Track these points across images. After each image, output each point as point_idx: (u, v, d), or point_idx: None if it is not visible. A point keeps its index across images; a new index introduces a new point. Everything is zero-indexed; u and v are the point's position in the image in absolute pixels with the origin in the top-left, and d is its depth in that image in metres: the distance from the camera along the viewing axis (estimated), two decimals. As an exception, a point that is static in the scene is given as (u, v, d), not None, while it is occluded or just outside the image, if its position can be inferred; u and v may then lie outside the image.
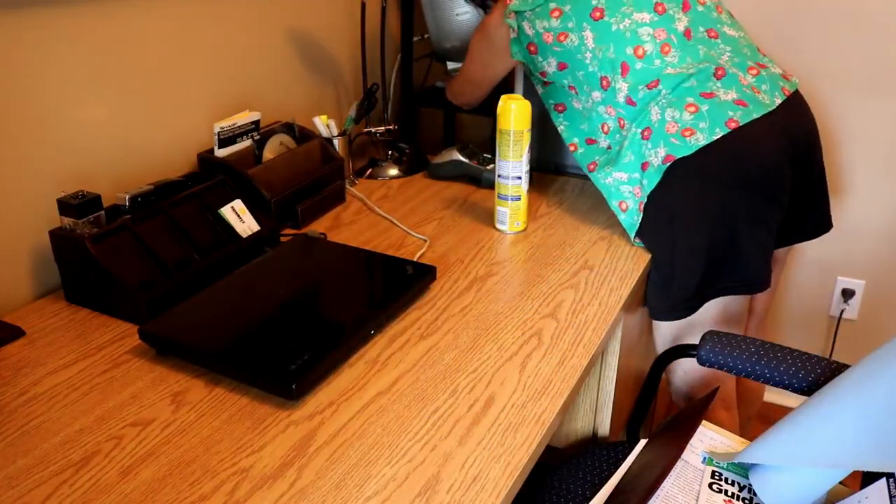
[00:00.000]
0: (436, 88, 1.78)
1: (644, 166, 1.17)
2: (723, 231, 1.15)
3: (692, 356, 1.07)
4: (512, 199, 1.26)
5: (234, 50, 1.38)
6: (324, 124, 1.46)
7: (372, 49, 1.76)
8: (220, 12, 1.33)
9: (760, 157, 1.13)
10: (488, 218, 1.35)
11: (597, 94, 1.22)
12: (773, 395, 2.05)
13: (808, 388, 0.98)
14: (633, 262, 1.18)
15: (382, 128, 1.64)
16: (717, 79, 1.16)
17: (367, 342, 0.97)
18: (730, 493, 0.96)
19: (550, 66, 1.25)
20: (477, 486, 0.73)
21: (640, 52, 1.17)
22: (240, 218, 1.19)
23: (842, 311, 1.88)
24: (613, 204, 1.24)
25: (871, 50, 1.64)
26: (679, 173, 1.14)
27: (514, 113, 1.21)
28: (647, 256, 1.20)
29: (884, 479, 0.82)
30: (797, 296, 1.93)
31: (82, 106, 1.12)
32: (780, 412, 1.99)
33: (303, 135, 1.42)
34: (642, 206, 1.19)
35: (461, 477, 0.74)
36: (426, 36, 1.70)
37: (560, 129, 1.32)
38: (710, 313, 1.23)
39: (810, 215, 1.31)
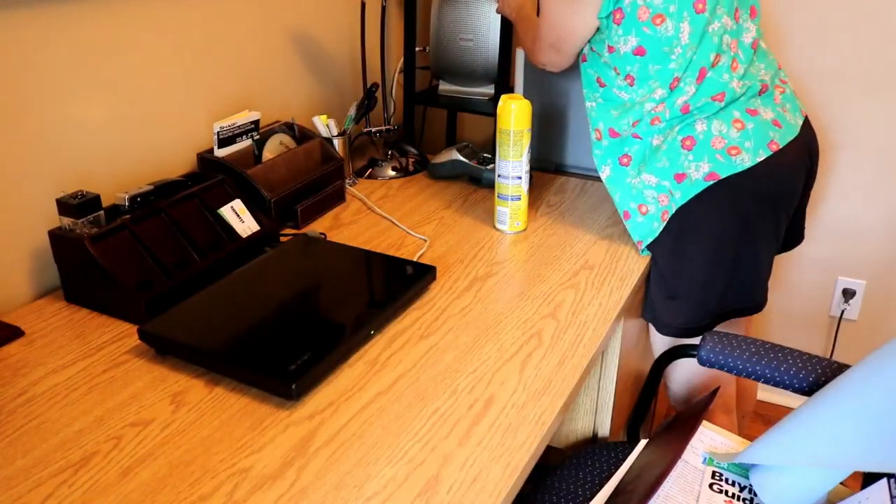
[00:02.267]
0: (436, 88, 1.78)
1: (679, 177, 1.11)
2: (748, 250, 1.13)
3: (692, 356, 1.07)
4: (512, 199, 1.26)
5: (234, 50, 1.38)
6: (324, 124, 1.46)
7: (372, 49, 1.75)
8: (221, 12, 1.33)
9: (792, 178, 1.14)
10: (488, 218, 1.35)
11: (659, 92, 1.11)
12: (774, 395, 2.05)
13: (809, 389, 0.98)
14: (633, 262, 1.18)
15: (382, 128, 1.64)
16: (759, 95, 1.13)
17: (366, 342, 0.97)
18: (730, 494, 0.96)
19: (626, 45, 1.10)
20: (477, 487, 0.73)
21: (716, 61, 1.10)
22: (239, 218, 1.19)
23: (842, 312, 1.88)
24: (631, 206, 1.18)
25: (872, 49, 1.64)
26: (715, 189, 1.10)
27: (514, 113, 1.20)
28: (648, 256, 1.19)
29: (884, 480, 0.82)
30: (797, 296, 1.93)
31: (82, 106, 1.12)
32: (780, 412, 1.99)
33: (303, 135, 1.42)
34: (666, 216, 1.14)
35: (461, 477, 0.74)
36: (427, 49, 1.70)
37: (590, 105, 1.21)
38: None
39: (795, 227, 1.32)
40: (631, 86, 1.14)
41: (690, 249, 1.14)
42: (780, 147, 1.11)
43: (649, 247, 1.18)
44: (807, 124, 1.19)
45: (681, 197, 1.12)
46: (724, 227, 1.12)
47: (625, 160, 1.18)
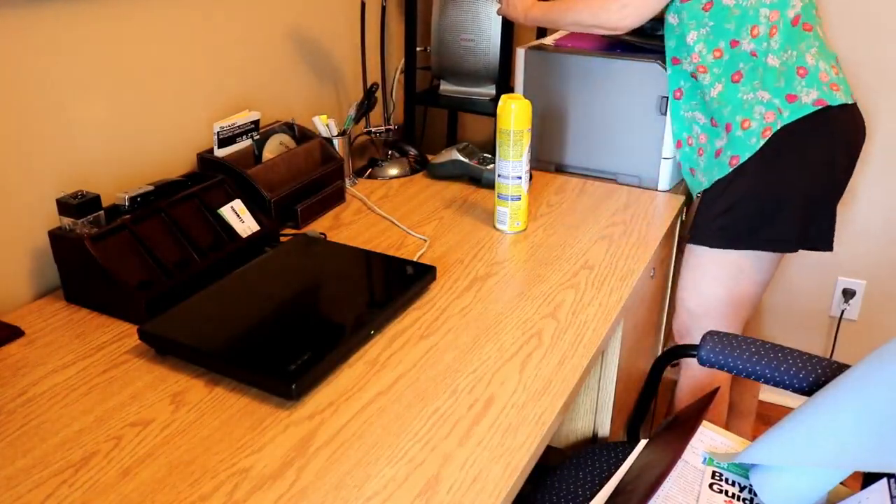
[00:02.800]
0: (437, 88, 1.78)
1: (791, 98, 1.20)
2: (834, 179, 1.23)
3: (692, 356, 1.07)
4: (512, 199, 1.26)
5: (234, 50, 1.38)
6: (324, 124, 1.46)
7: (372, 49, 1.75)
8: (221, 12, 1.33)
9: (859, 135, 1.26)
10: (488, 218, 1.35)
11: None
12: (773, 395, 2.05)
13: (809, 389, 0.98)
14: (633, 262, 1.18)
15: (382, 128, 1.64)
16: (837, 61, 1.25)
17: (366, 342, 0.97)
18: (730, 494, 0.96)
19: None
20: (477, 487, 0.73)
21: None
22: (239, 218, 1.19)
23: (842, 312, 1.88)
24: (735, 119, 1.24)
25: (873, 49, 1.64)
26: (816, 116, 1.19)
27: (514, 113, 1.20)
28: (648, 256, 1.19)
29: (884, 480, 0.82)
30: (798, 296, 1.93)
31: (82, 106, 1.12)
32: (780, 412, 1.99)
33: (303, 135, 1.42)
34: (768, 133, 1.20)
35: (461, 477, 0.74)
36: (428, 49, 1.70)
37: (703, 31, 1.25)
38: (752, 277, 1.31)
39: (830, 223, 1.33)
40: None
41: (786, 164, 1.21)
42: (853, 102, 1.23)
43: (742, 164, 1.23)
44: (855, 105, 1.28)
45: (788, 116, 1.19)
46: (818, 150, 1.20)
47: (737, 77, 1.23)
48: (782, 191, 1.22)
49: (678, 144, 1.38)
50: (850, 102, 1.22)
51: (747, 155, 1.22)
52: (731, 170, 1.24)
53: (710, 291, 1.32)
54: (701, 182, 1.33)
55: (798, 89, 1.20)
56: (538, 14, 1.35)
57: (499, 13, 1.41)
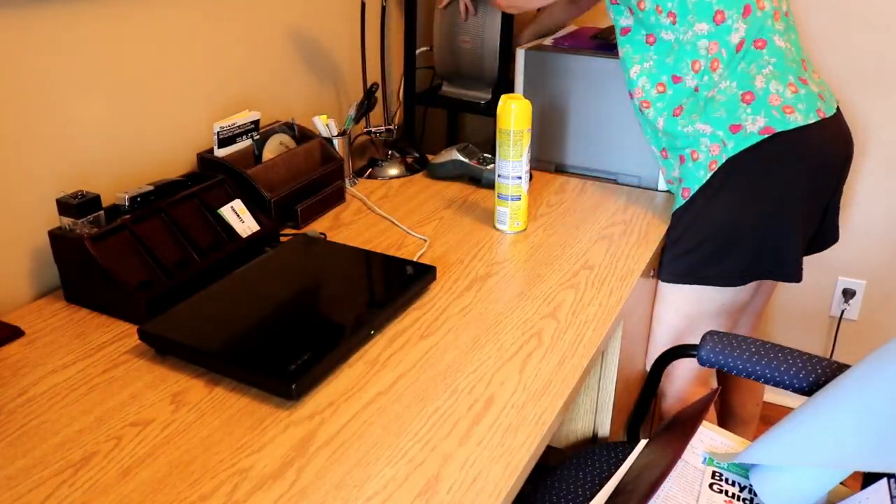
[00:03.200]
0: (438, 88, 1.78)
1: (734, 128, 1.15)
2: (787, 208, 1.16)
3: (692, 356, 1.07)
4: (512, 199, 1.26)
5: (234, 50, 1.38)
6: (324, 124, 1.46)
7: (372, 49, 1.75)
8: (221, 12, 1.33)
9: (837, 150, 1.18)
10: (488, 218, 1.35)
11: (703, 27, 1.15)
12: (773, 395, 2.05)
13: (809, 389, 0.98)
14: (633, 262, 1.18)
15: (382, 128, 1.64)
16: (804, 70, 1.18)
17: (366, 342, 0.97)
18: (730, 494, 0.96)
19: None
20: (477, 487, 0.73)
21: (760, 3, 1.14)
22: (239, 218, 1.19)
23: (842, 311, 1.88)
24: (685, 151, 1.22)
25: (873, 49, 1.64)
26: (765, 144, 1.14)
27: (514, 113, 1.20)
28: (648, 256, 1.20)
29: (884, 480, 0.82)
30: (797, 296, 1.93)
31: (82, 106, 1.12)
32: (780, 412, 1.99)
33: (303, 135, 1.42)
34: (714, 166, 1.17)
35: (461, 477, 0.74)
36: (431, 48, 1.70)
37: (646, 65, 1.24)
38: (710, 307, 1.23)
39: (831, 224, 1.32)
40: (674, 24, 1.17)
41: (732, 198, 1.17)
42: (826, 117, 1.16)
43: (696, 197, 1.21)
44: (840, 114, 1.22)
45: (732, 147, 1.15)
46: (768, 180, 1.15)
47: (677, 111, 1.22)
48: (726, 225, 1.18)
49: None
50: (814, 121, 1.14)
51: (696, 187, 1.20)
52: (683, 201, 1.23)
53: (671, 322, 1.30)
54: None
55: (743, 117, 1.15)
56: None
57: (491, 4, 1.42)
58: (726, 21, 1.13)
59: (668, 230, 1.27)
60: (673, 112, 1.22)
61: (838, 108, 1.22)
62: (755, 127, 1.14)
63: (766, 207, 1.16)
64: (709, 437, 1.05)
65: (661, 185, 1.45)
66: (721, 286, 1.22)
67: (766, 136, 1.13)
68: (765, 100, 1.14)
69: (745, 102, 1.15)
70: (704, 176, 1.19)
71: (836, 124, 1.19)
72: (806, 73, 1.18)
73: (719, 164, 1.17)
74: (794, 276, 1.20)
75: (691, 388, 1.35)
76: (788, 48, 1.18)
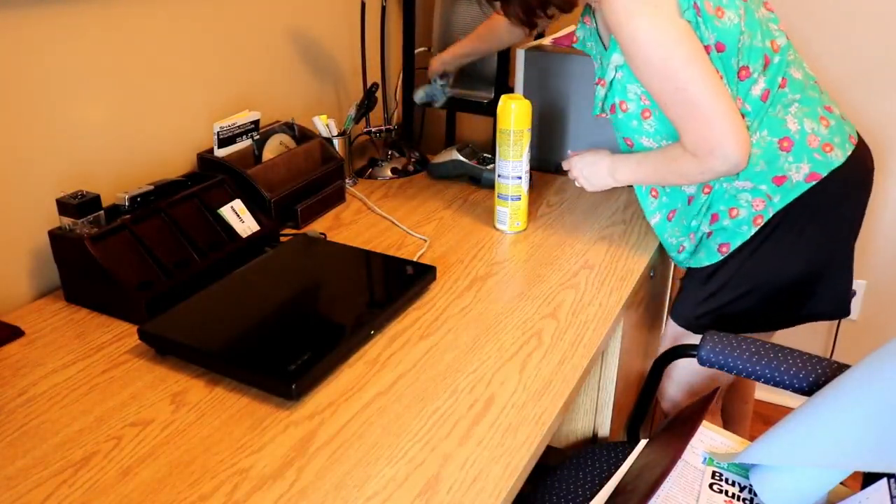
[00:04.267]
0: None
1: (779, 180, 1.06)
2: (843, 248, 1.12)
3: (692, 356, 1.07)
4: (512, 199, 1.26)
5: (234, 50, 1.38)
6: (324, 124, 1.46)
7: (372, 49, 1.75)
8: (221, 12, 1.33)
9: (869, 168, 1.13)
10: (488, 218, 1.35)
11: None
12: (773, 395, 2.05)
13: (809, 389, 0.98)
14: (633, 262, 1.18)
15: (382, 128, 1.64)
16: (821, 93, 1.12)
17: (366, 342, 0.97)
18: (730, 494, 0.96)
19: (709, 43, 1.00)
20: (477, 487, 0.73)
21: (775, 45, 1.06)
22: (239, 218, 1.19)
23: (842, 312, 1.87)
24: (720, 209, 1.12)
25: (874, 49, 1.64)
26: (813, 191, 1.06)
27: (514, 113, 1.20)
28: (648, 256, 1.19)
29: (884, 480, 0.82)
30: (797, 296, 1.93)
31: (82, 105, 1.12)
32: (780, 412, 1.99)
33: (303, 135, 1.42)
34: (760, 221, 1.09)
35: (461, 477, 0.74)
36: (431, 49, 1.70)
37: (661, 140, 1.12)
38: None
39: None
40: None
41: (780, 248, 1.11)
42: (856, 140, 1.11)
43: (736, 252, 1.14)
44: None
45: (780, 200, 1.08)
46: (820, 225, 1.09)
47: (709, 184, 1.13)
48: (774, 277, 1.12)
49: (655, 217, 1.21)
50: (850, 152, 1.08)
51: (738, 242, 1.13)
52: (721, 257, 1.15)
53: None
54: (685, 260, 1.23)
55: (786, 167, 1.06)
56: (627, 176, 1.17)
57: (582, 185, 1.25)
58: (752, 75, 1.04)
59: (695, 283, 1.20)
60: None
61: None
62: (800, 175, 1.06)
63: (821, 252, 1.11)
64: (709, 437, 1.05)
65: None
66: (771, 331, 1.19)
67: (814, 182, 1.06)
68: (804, 143, 1.06)
69: (785, 150, 1.06)
70: (748, 231, 1.11)
71: (861, 143, 1.13)
72: (824, 96, 1.12)
73: (766, 219, 1.09)
74: (846, 312, 1.16)
75: (692, 389, 1.35)
76: (804, 75, 1.10)
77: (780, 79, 1.06)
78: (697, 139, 1.00)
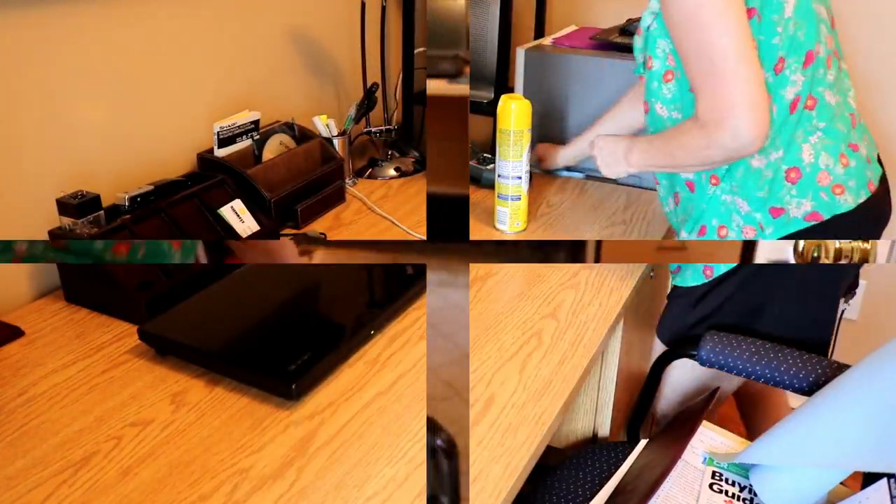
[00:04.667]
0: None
1: (776, 212, 0.99)
2: (830, 294, 1.07)
3: (692, 356, 1.07)
4: (512, 199, 1.26)
5: (234, 50, 1.38)
6: (324, 124, 1.46)
7: (372, 49, 1.75)
8: (221, 12, 1.33)
9: (882, 220, 1.05)
10: (488, 218, 1.35)
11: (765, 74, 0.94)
12: (774, 396, 2.05)
13: (809, 389, 0.98)
14: (633, 263, 1.18)
15: (382, 128, 1.64)
16: (853, 127, 1.01)
17: (366, 342, 0.97)
18: (730, 494, 0.96)
19: (754, 5, 0.92)
20: (477, 487, 0.73)
21: (819, 48, 0.95)
22: (239, 218, 1.19)
23: (842, 312, 1.87)
24: (709, 222, 1.05)
25: (874, 48, 1.64)
26: (810, 232, 0.99)
27: (514, 113, 1.20)
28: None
29: (884, 480, 0.82)
30: (797, 296, 1.93)
31: (82, 105, 1.12)
32: (781, 412, 1.99)
33: (303, 135, 1.42)
34: None
35: (461, 477, 0.74)
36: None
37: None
38: None
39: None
40: None
41: (768, 284, 1.06)
42: (876, 187, 1.01)
43: (716, 282, 1.08)
44: (883, 172, 1.07)
45: (772, 233, 1.00)
46: (810, 272, 1.03)
47: (714, 180, 1.04)
48: (759, 309, 1.07)
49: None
50: (863, 200, 0.98)
51: (722, 270, 1.06)
52: (705, 280, 1.09)
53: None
54: (673, 273, 1.17)
55: (786, 200, 0.98)
56: (639, 158, 1.10)
57: (607, 174, 1.19)
58: (785, 71, 0.94)
59: (681, 305, 1.14)
60: (710, 180, 1.04)
61: (879, 160, 1.08)
62: (799, 212, 0.98)
63: (809, 299, 1.06)
64: (709, 437, 1.05)
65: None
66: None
67: (813, 223, 0.97)
68: (812, 179, 0.96)
69: (790, 182, 0.97)
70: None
71: (882, 190, 1.03)
72: (855, 132, 1.01)
73: None
74: (826, 348, 1.11)
75: (692, 389, 1.35)
76: (839, 102, 0.99)
77: (810, 96, 0.96)
78: (710, 104, 0.90)
